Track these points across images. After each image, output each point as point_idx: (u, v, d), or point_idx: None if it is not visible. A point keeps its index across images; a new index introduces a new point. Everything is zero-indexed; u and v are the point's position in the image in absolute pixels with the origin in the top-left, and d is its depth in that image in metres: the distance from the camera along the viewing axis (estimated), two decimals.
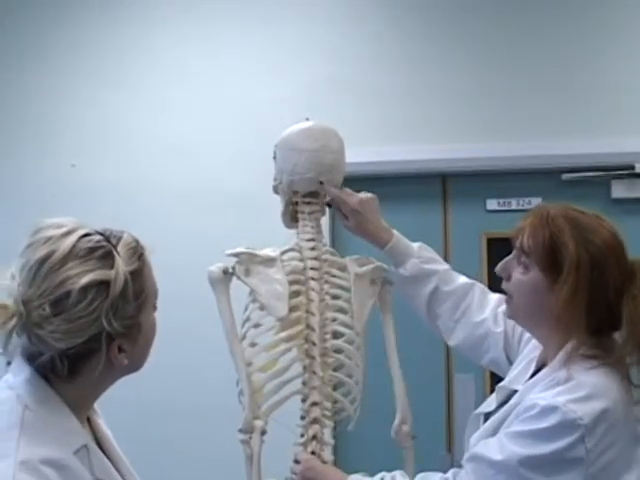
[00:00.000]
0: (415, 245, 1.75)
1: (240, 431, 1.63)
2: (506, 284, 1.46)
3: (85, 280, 1.07)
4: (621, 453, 1.28)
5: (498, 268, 1.46)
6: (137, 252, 1.16)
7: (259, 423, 1.62)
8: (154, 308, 1.22)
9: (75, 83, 3.08)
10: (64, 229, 1.11)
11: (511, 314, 1.48)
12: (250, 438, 1.62)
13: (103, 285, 1.08)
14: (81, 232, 1.11)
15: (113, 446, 1.26)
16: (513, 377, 1.50)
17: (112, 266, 1.10)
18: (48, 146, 3.07)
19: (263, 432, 1.62)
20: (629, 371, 1.35)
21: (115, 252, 1.12)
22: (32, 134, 3.08)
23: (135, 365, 1.20)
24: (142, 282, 1.15)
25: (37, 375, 1.11)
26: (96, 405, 1.25)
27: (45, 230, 1.12)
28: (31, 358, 1.11)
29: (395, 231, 1.75)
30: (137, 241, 1.18)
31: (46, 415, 1.09)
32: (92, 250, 1.10)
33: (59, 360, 1.09)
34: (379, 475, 1.53)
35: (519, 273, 1.41)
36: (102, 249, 1.11)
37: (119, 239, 1.15)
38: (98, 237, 1.13)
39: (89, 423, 1.22)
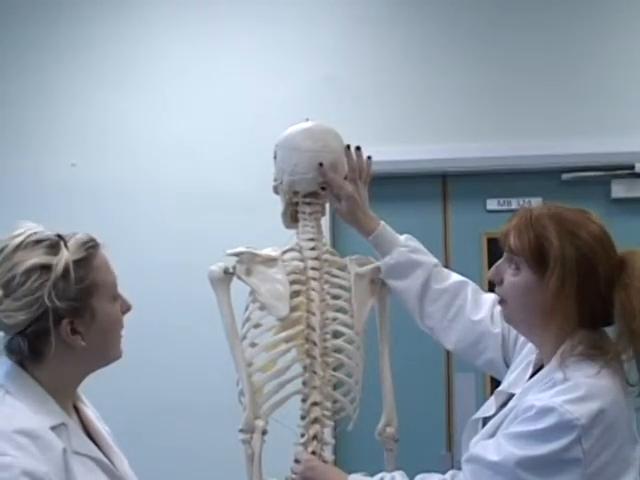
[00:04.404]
0: (402, 236, 1.75)
1: (241, 431, 1.63)
2: (499, 289, 1.45)
3: (28, 263, 1.22)
4: (618, 454, 1.28)
5: (490, 273, 1.47)
6: (86, 245, 1.29)
7: (260, 423, 1.62)
8: (113, 299, 1.33)
9: (75, 83, 3.08)
10: (17, 232, 1.28)
11: (507, 318, 1.48)
12: (251, 438, 1.62)
13: (45, 269, 1.23)
14: (31, 232, 1.27)
15: (101, 433, 1.38)
16: (511, 381, 1.50)
17: (57, 254, 1.25)
18: (48, 146, 3.07)
19: (264, 432, 1.62)
20: (625, 369, 1.35)
21: (63, 243, 1.27)
22: (32, 134, 3.08)
23: (102, 352, 1.32)
24: (87, 270, 1.27)
25: (16, 366, 1.27)
26: (83, 396, 1.40)
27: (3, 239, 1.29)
28: (5, 348, 1.26)
29: (382, 221, 1.75)
30: (92, 239, 1.32)
31: (24, 397, 1.23)
32: (39, 242, 1.26)
33: (21, 340, 1.24)
34: (379, 475, 1.53)
35: (510, 275, 1.41)
36: (49, 241, 1.27)
37: (73, 236, 1.30)
38: (49, 234, 1.28)
39: (77, 411, 1.36)
